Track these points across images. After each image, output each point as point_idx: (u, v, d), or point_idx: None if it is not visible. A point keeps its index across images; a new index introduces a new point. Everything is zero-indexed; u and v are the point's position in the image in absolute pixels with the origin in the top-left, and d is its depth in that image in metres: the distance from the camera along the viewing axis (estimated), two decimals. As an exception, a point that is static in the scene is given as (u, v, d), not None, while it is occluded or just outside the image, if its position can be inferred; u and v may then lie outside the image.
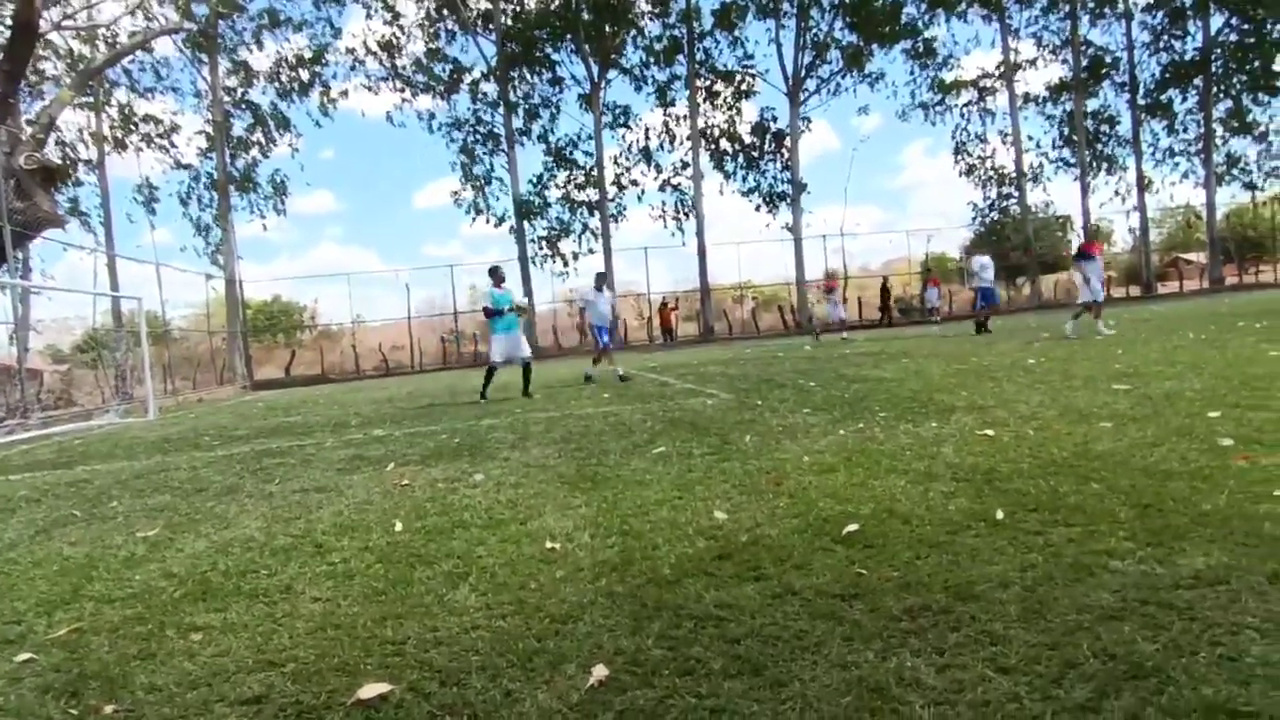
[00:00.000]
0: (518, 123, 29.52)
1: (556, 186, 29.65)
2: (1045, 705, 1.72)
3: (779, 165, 30.06)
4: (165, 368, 23.75)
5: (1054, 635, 2.06)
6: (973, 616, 2.22)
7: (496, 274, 11.18)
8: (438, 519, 4.04)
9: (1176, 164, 32.75)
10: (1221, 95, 31.98)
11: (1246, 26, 31.13)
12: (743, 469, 4.57)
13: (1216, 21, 31.28)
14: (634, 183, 30.62)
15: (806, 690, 1.89)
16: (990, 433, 4.92)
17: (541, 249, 29.64)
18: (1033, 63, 32.29)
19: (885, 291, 31.48)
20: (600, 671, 2.06)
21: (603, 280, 13.21)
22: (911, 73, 31.79)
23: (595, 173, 29.59)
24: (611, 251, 29.37)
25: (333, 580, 3.14)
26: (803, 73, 29.41)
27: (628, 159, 30.13)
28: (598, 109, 29.53)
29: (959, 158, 32.43)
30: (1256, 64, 31.70)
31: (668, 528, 3.49)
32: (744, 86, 30.59)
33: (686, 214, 29.93)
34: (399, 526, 3.92)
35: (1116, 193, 32.79)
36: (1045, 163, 32.57)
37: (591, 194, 29.80)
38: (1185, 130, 32.50)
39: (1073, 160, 32.19)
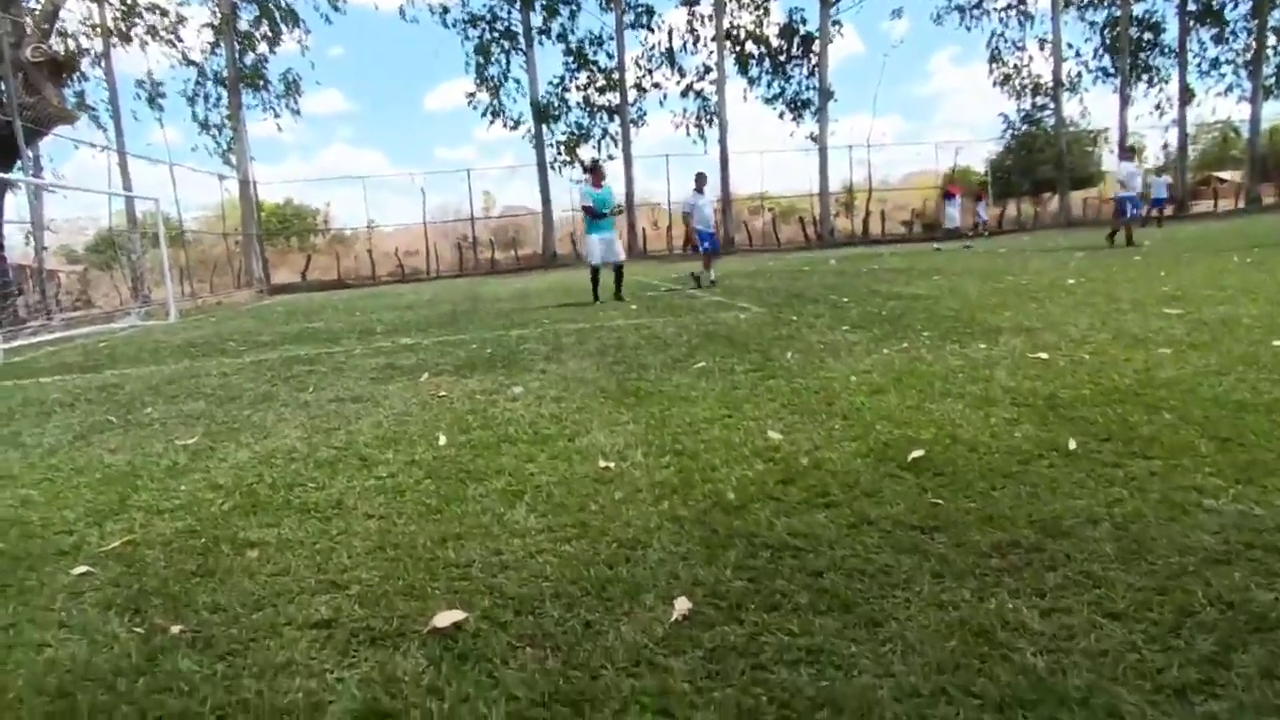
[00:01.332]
0: (536, 20, 28.40)
1: (576, 89, 28.75)
2: (1168, 658, 1.62)
3: (805, 71, 28.95)
4: (182, 270, 23.67)
5: (1159, 579, 1.96)
6: (1067, 555, 2.12)
7: (597, 170, 10.94)
8: (481, 433, 3.96)
9: (1223, 75, 31.35)
10: (1276, 3, 30.29)
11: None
12: (789, 387, 4.45)
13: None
14: (656, 86, 29.64)
15: (905, 631, 1.80)
16: (1044, 355, 4.77)
17: (560, 154, 28.97)
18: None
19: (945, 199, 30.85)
20: (683, 604, 1.99)
21: (703, 182, 12.84)
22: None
23: (616, 75, 28.59)
24: (632, 159, 28.67)
25: (384, 496, 3.08)
26: (835, -30, 28.02)
27: (649, 61, 29.09)
28: (619, 6, 28.30)
29: (994, 66, 31.12)
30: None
31: (722, 448, 3.39)
32: (772, -16, 29.24)
33: (709, 120, 29.05)
34: (443, 440, 3.85)
35: (1157, 106, 31.56)
36: (1084, 72, 31.26)
37: (612, 98, 28.88)
38: (1235, 39, 30.97)
39: (1113, 70, 30.84)
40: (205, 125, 28.30)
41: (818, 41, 28.42)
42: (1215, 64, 31.17)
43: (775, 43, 28.89)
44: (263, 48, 28.40)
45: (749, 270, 15.94)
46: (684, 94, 29.32)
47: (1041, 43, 30.58)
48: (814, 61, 28.77)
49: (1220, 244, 13.51)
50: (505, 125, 28.73)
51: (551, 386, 4.98)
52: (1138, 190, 15.42)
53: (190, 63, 28.38)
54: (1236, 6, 30.55)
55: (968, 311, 6.92)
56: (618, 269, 11.03)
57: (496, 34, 28.69)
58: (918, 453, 3.08)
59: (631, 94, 28.79)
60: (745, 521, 2.55)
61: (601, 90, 28.88)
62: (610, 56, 28.78)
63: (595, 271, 10.98)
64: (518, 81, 28.86)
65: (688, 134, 29.61)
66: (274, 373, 6.47)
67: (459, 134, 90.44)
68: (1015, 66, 31.02)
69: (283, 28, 28.20)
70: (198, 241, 27.72)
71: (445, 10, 28.80)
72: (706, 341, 6.27)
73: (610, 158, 29.48)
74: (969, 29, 33.77)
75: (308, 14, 28.58)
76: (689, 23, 29.27)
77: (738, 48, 29.35)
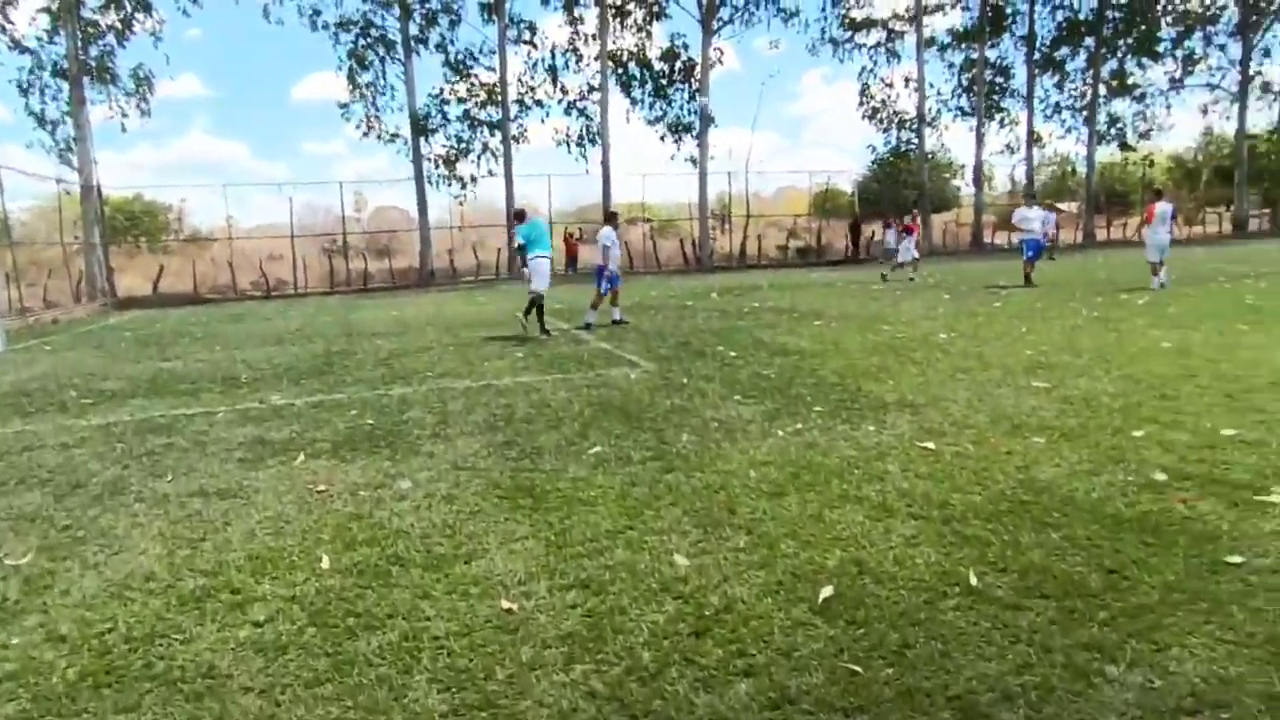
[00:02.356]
0: (414, 29, 27.52)
1: (457, 101, 28.01)
2: None
3: (686, 95, 29.39)
4: (8, 275, 21.40)
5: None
6: (988, 750, 2.13)
7: (522, 215, 12.25)
8: (368, 550, 3.69)
9: (1064, 120, 34.14)
10: (1109, 56, 33.29)
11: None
12: (689, 486, 4.40)
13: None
14: (539, 103, 29.33)
15: None
16: (930, 445, 4.92)
17: (438, 168, 28.14)
18: (940, 8, 32.56)
19: (855, 229, 32.10)
20: None
21: (616, 219, 13.06)
22: (823, 8, 31.52)
23: (499, 89, 28.08)
24: (513, 176, 28.18)
25: (263, 656, 2.79)
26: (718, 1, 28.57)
27: (532, 77, 28.74)
28: (502, 20, 27.85)
29: (864, 99, 32.64)
30: (1143, 28, 33.09)
31: (629, 577, 3.29)
32: (655, 8, 29.49)
33: (592, 139, 29.00)
34: (326, 563, 3.56)
35: (1008, 145, 33.98)
36: (944, 110, 33.28)
37: (494, 112, 28.35)
38: (1074, 87, 33.80)
39: (969, 109, 32.99)
40: (41, 120, 25.76)
41: (699, 67, 28.93)
42: (1058, 108, 33.96)
43: (658, 66, 29.22)
44: (110, 38, 26.16)
45: (631, 303, 15.94)
46: (567, 111, 29.20)
47: (906, 80, 32.38)
48: (695, 87, 29.27)
49: (1068, 288, 14.59)
50: (380, 138, 27.66)
51: (441, 478, 4.72)
52: (1036, 233, 16.62)
53: (23, 49, 25.79)
54: (1075, 58, 33.43)
55: (852, 378, 7.11)
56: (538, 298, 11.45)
57: (371, 40, 27.63)
58: (828, 590, 3.07)
59: (513, 109, 28.39)
60: (662, 696, 2.45)
61: (482, 104, 28.31)
62: (491, 70, 28.31)
63: (538, 301, 11.22)
64: (394, 90, 27.88)
65: (569, 151, 29.45)
66: (125, 445, 5.87)
67: (329, 128, 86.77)
68: (883, 101, 32.66)
69: (135, 19, 26.07)
70: (28, 240, 25.17)
71: (316, 13, 27.47)
72: (599, 415, 6.14)
73: (490, 173, 28.99)
74: (841, 60, 35.42)
75: (163, 4, 26.36)
76: (571, 40, 29.20)
77: (621, 69, 29.50)
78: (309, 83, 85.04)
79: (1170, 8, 34.07)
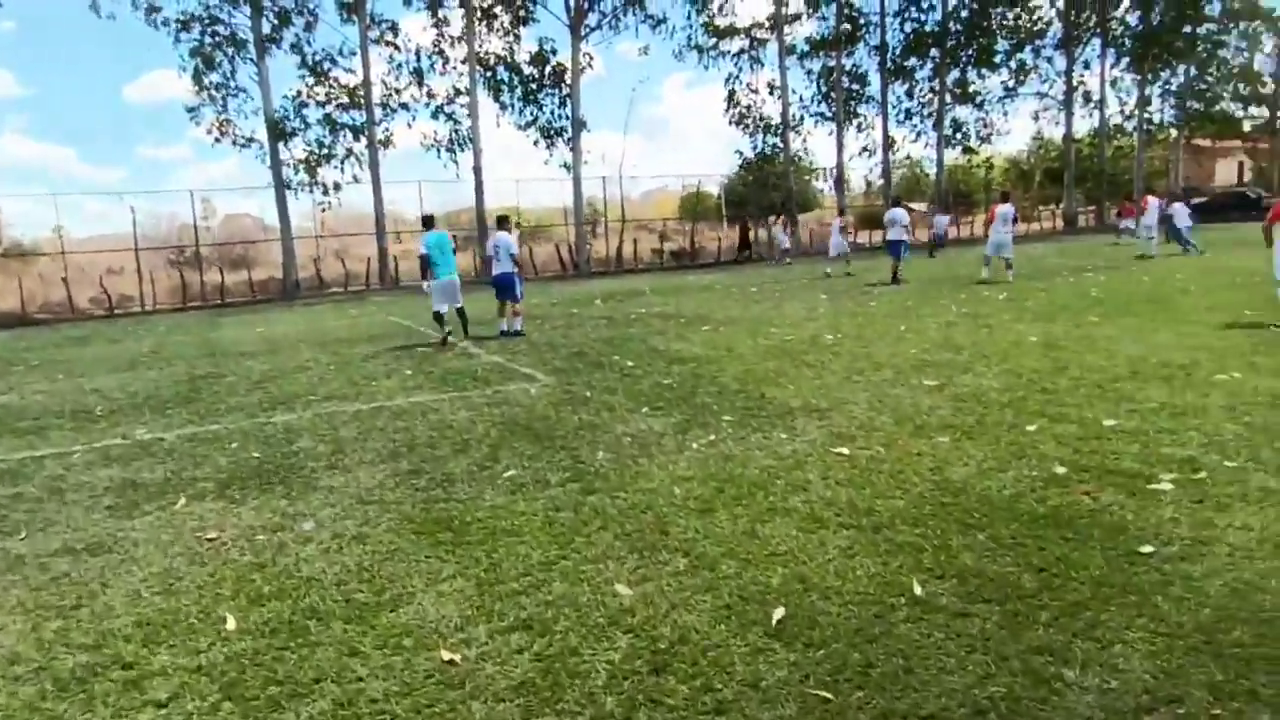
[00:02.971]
0: (266, 28, 25.97)
1: (316, 104, 26.62)
2: None
3: (557, 100, 29.19)
4: None
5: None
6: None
7: (428, 222, 11.86)
8: (279, 605, 3.35)
9: (914, 125, 36.19)
10: (952, 66, 35.56)
11: (976, 6, 34.75)
12: (615, 507, 4.27)
13: (953, -2, 34.68)
14: (404, 106, 28.35)
15: None
16: (844, 450, 5.00)
17: (299, 174, 26.68)
18: (798, 17, 33.81)
19: (745, 230, 32.80)
20: None
21: (509, 223, 12.70)
22: (689, 16, 32.09)
23: (361, 92, 26.93)
24: (380, 182, 27.10)
25: (173, 744, 2.46)
26: (585, 5, 28.49)
27: (397, 79, 27.74)
28: (364, 20, 26.72)
29: (730, 105, 33.42)
30: (981, 41, 35.54)
31: (572, 613, 3.13)
32: (522, 12, 29.12)
33: (461, 144, 28.32)
34: (231, 623, 3.20)
35: (865, 148, 35.66)
36: (805, 115, 34.58)
37: (357, 116, 27.17)
38: (922, 94, 35.91)
39: (829, 114, 34.42)
40: None
41: (569, 73, 28.78)
42: (909, 114, 35.98)
43: (527, 70, 28.85)
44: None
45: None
46: (434, 115, 28.38)
47: (771, 86, 33.37)
48: (565, 92, 29.11)
49: (934, 286, 15.40)
50: (235, 143, 25.92)
51: (348, 515, 4.39)
52: (904, 236, 17.56)
53: None
54: (923, 68, 35.51)
55: (753, 384, 7.17)
56: (459, 311, 11.44)
57: (218, 39, 25.88)
58: (779, 612, 3.02)
59: (378, 112, 27.28)
60: (636, 747, 2.31)
61: (344, 107, 27.08)
62: (352, 72, 27.13)
63: (439, 314, 11.29)
64: (246, 92, 26.21)
65: (438, 156, 28.62)
66: (-37, 498, 5.15)
67: (169, 131, 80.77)
68: (748, 106, 33.56)
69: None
70: None
71: (154, 9, 25.46)
72: (507, 435, 5.91)
73: (355, 179, 27.78)
74: (706, 68, 36.11)
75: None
76: (436, 43, 28.40)
77: (489, 72, 28.96)
78: (144, 82, 79.26)
79: (1004, 23, 36.77)
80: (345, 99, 27.13)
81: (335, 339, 12.68)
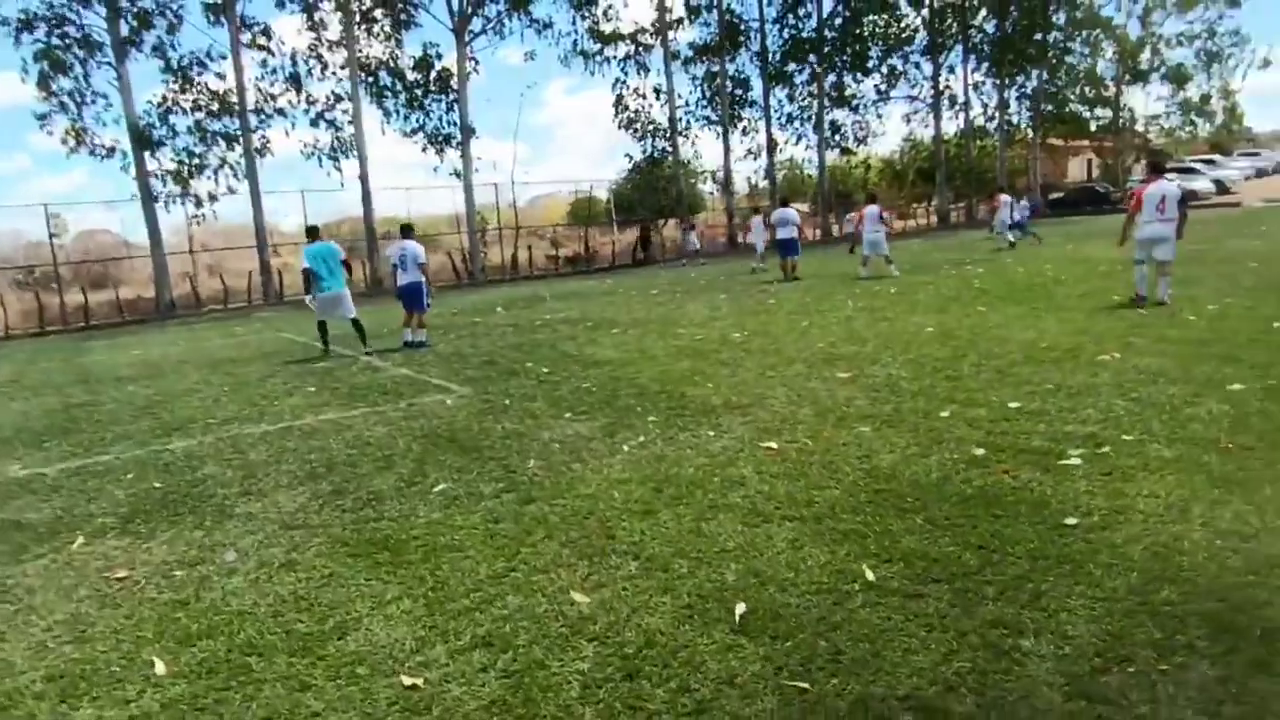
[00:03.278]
0: (125, 30, 24.28)
1: (185, 111, 25.07)
2: None
3: (444, 106, 28.58)
4: None
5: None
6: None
7: (312, 233, 11.53)
8: (211, 643, 3.13)
9: (796, 128, 37.36)
10: (829, 71, 36.93)
11: (849, 14, 36.24)
12: (555, 515, 4.21)
13: (829, 4, 36.09)
14: (280, 112, 27.10)
15: None
16: (773, 445, 5.10)
17: (167, 185, 25.08)
18: (680, 22, 34.34)
19: (645, 232, 32.92)
20: None
21: (413, 231, 12.33)
22: (573, 22, 32.06)
23: (235, 98, 25.56)
24: (260, 192, 25.80)
25: (116, 803, 2.25)
26: (469, 9, 28.01)
27: (272, 85, 26.49)
28: (234, 22, 25.39)
29: (619, 110, 33.61)
30: (855, 47, 37.07)
31: (531, 625, 3.07)
32: (403, 16, 28.39)
33: (344, 151, 27.32)
34: (160, 667, 2.97)
35: (750, 151, 36.55)
36: (692, 120, 35.16)
37: (231, 123, 25.77)
38: (802, 98, 37.12)
39: (715, 118, 35.11)
40: None
41: (455, 78, 28.22)
42: (790, 118, 37.11)
43: (411, 76, 28.12)
44: None
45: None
46: (314, 122, 27.26)
47: (657, 91, 33.77)
48: (451, 97, 28.55)
49: (826, 282, 15.92)
50: (94, 153, 24.09)
51: (273, 542, 4.15)
52: (795, 234, 18.16)
53: None
54: (802, 73, 36.72)
55: (671, 384, 7.22)
56: (353, 323, 11.16)
57: (69, 41, 24.02)
58: (741, 607, 3.04)
59: (253, 120, 25.96)
60: (623, 756, 2.28)
61: (215, 115, 25.65)
62: (222, 77, 25.74)
63: (323, 324, 11.27)
64: (106, 98, 24.43)
65: (320, 164, 27.53)
66: None
67: (6, 139, 74.26)
68: (636, 111, 33.84)
69: None
70: None
71: (-10, 9, 23.42)
72: (431, 448, 5.73)
73: (230, 190, 26.37)
74: (592, 73, 36.21)
75: None
76: (313, 47, 27.31)
77: (370, 77, 28.06)
78: (-26, 86, 72.66)
79: (876, 30, 38.47)
80: (216, 105, 25.70)
81: (225, 359, 11.97)
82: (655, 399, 6.69)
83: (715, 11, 34.35)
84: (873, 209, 16.59)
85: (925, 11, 39.34)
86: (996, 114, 42.80)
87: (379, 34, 28.69)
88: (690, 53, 35.07)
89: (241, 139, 25.77)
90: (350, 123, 27.29)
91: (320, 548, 4.02)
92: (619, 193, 38.44)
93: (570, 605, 3.21)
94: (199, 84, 25.56)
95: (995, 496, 3.95)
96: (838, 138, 38.64)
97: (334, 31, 27.46)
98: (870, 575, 3.22)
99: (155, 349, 14.56)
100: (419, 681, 2.73)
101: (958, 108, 41.90)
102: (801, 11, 35.93)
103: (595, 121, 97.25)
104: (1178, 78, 45.24)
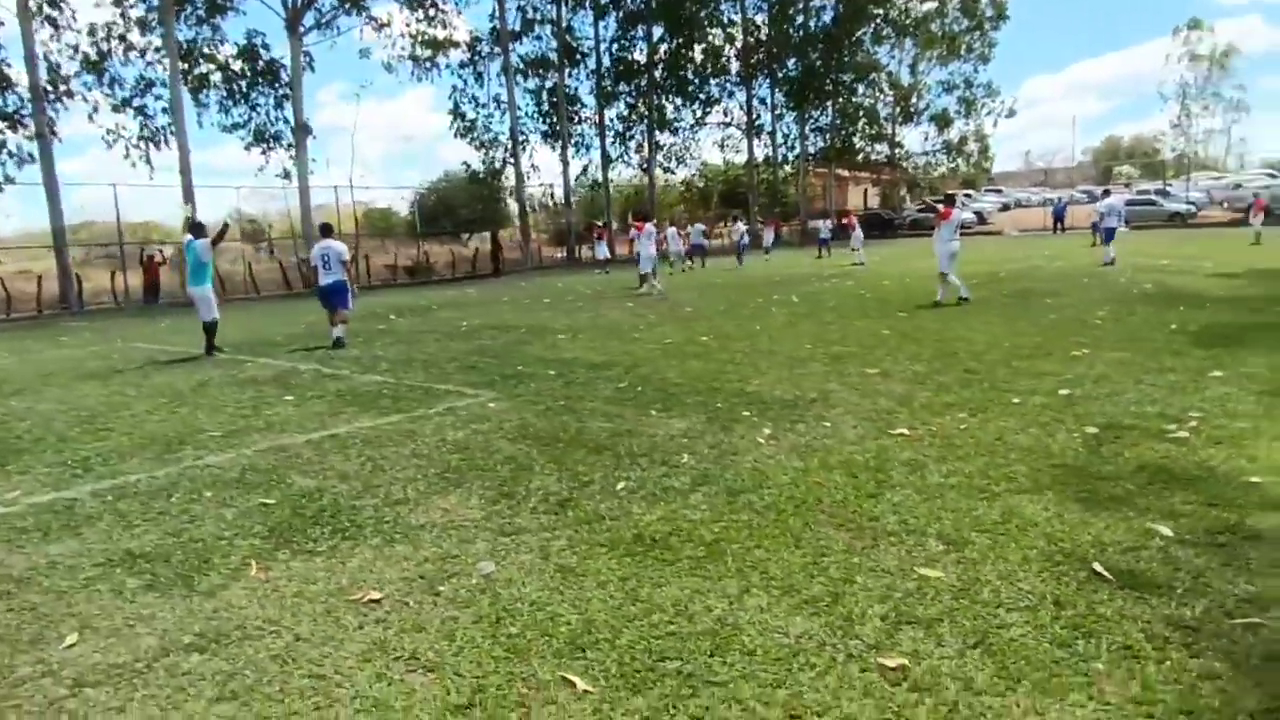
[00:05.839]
0: None
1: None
2: None
3: (273, 101, 26.41)
4: None
5: None
6: None
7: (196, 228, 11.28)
8: (600, 654, 2.84)
9: (627, 147, 38.44)
10: (655, 95, 38.38)
11: (678, 41, 37.90)
12: (783, 503, 4.19)
13: (659, 30, 37.48)
14: (70, 94, 23.69)
15: None
16: (904, 431, 5.36)
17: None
18: (519, 35, 34.18)
19: (496, 243, 32.29)
20: None
21: (333, 230, 12.00)
22: (408, 24, 30.85)
23: (15, 75, 22.03)
24: (58, 186, 22.28)
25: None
26: (300, 3, 26.06)
27: (68, 65, 23.13)
28: (17, -18, 21.88)
29: (456, 118, 32.80)
30: (678, 74, 38.78)
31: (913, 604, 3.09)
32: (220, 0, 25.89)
33: (156, 142, 24.41)
34: (580, 684, 2.67)
35: (585, 168, 37.11)
36: (531, 133, 35.12)
37: (12, 100, 22.15)
38: (632, 119, 38.26)
39: (553, 134, 35.27)
40: None
41: (287, 71, 26.16)
42: (622, 136, 38.10)
43: (236, 66, 25.70)
44: None
45: (318, 331, 14.03)
46: (118, 108, 24.09)
47: (497, 101, 33.39)
48: (280, 93, 26.43)
49: (682, 297, 16.56)
50: None
51: (514, 549, 3.76)
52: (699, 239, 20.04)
53: None
54: (632, 94, 37.87)
55: (711, 380, 7.29)
56: (204, 325, 11.18)
57: None
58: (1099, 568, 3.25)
59: (46, 106, 22.43)
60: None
61: (-7, 89, 21.94)
62: (1, 48, 22.14)
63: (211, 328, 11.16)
64: None
65: (126, 156, 24.39)
66: None
67: None
68: (473, 121, 33.22)
69: None
70: None
71: None
72: (544, 448, 5.37)
73: (9, 180, 22.68)
74: (420, 80, 35.10)
75: None
76: (110, 26, 24.18)
77: (184, 63, 25.28)
78: None
79: (692, 59, 40.50)
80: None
81: (88, 373, 10.28)
82: (720, 396, 6.70)
83: (548, 27, 34.60)
84: (650, 227, 18.27)
85: (738, 45, 42.04)
86: (797, 143, 46.48)
87: (190, 17, 26.06)
88: (522, 65, 35.07)
89: (35, 120, 22.23)
90: (165, 111, 24.47)
91: (575, 550, 3.71)
92: (422, 203, 37.43)
93: (926, 581, 3.25)
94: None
95: (1161, 466, 4.45)
96: (661, 157, 40.22)
97: (140, 8, 24.58)
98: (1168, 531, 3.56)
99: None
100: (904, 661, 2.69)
101: (764, 136, 45.12)
102: (632, 35, 37.10)
103: (377, 132, 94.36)
104: (942, 120, 51.44)
